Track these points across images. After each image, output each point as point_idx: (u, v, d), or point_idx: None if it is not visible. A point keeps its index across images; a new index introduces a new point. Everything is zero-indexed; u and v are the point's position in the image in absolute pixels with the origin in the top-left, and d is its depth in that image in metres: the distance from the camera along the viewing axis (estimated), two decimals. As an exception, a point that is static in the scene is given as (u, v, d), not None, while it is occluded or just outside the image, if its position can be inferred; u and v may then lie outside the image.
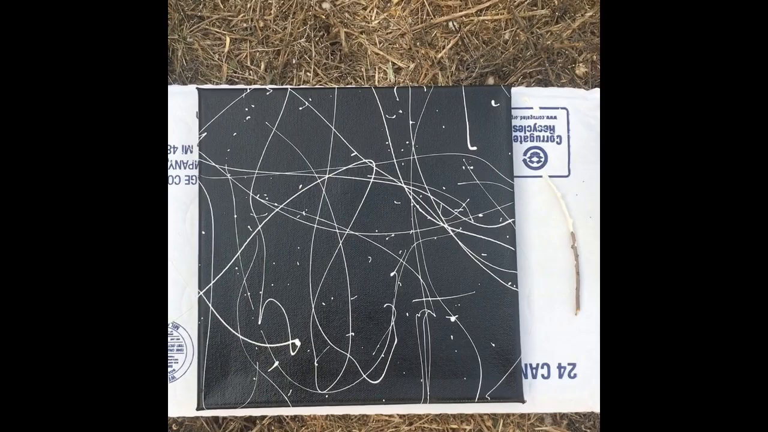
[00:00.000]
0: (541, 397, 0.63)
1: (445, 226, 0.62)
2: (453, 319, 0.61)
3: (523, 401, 0.61)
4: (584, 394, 0.63)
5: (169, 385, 0.62)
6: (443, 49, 0.72)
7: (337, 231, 0.61)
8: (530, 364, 0.63)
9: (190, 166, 0.64)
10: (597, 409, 0.63)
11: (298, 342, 0.60)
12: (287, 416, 0.67)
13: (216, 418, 0.67)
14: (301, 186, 0.62)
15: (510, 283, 0.61)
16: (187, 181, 0.64)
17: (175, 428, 0.67)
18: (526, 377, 0.63)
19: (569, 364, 0.63)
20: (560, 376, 0.63)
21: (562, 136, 0.65)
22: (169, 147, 0.64)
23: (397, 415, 0.67)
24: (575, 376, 0.63)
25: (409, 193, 0.62)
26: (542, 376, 0.63)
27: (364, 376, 0.60)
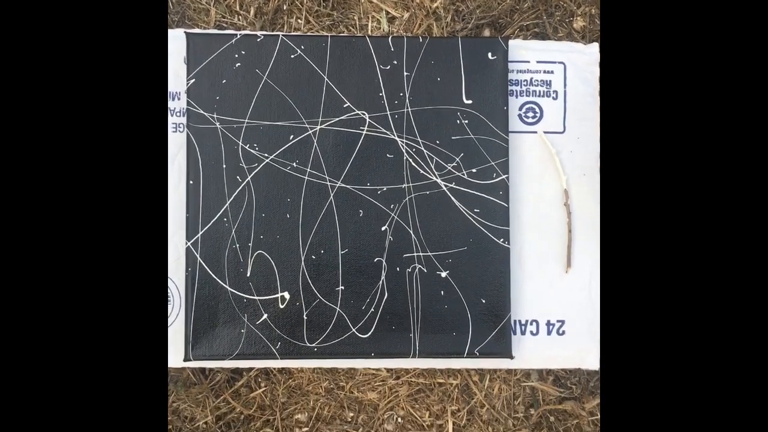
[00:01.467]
0: (530, 353, 0.63)
1: (438, 180, 0.61)
2: (444, 274, 0.60)
3: (511, 357, 0.61)
4: (572, 351, 0.63)
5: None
6: (439, -2, 0.70)
7: (329, 183, 0.60)
8: (519, 321, 0.63)
9: (178, 114, 0.62)
10: (584, 366, 0.63)
11: (287, 295, 0.60)
12: (274, 369, 0.67)
13: (203, 369, 0.67)
14: (292, 137, 0.60)
15: (502, 240, 0.61)
16: (173, 129, 0.62)
17: (160, 379, 0.66)
18: (515, 333, 0.63)
19: (558, 321, 0.63)
20: (549, 332, 0.63)
21: (558, 92, 0.64)
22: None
23: (385, 369, 0.67)
24: (564, 333, 0.63)
25: (402, 147, 0.61)
26: (531, 332, 0.63)
27: (354, 330, 0.60)
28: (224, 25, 0.69)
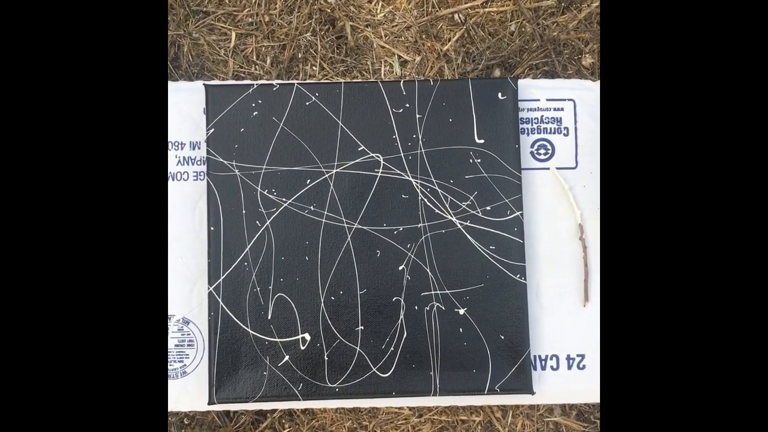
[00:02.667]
0: (551, 388, 0.63)
1: (453, 219, 0.62)
2: (462, 311, 0.61)
3: (532, 393, 0.61)
4: (593, 385, 0.63)
5: (181, 380, 0.62)
6: (449, 41, 0.72)
7: (346, 225, 0.61)
8: (539, 356, 0.63)
9: (198, 162, 0.64)
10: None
11: (307, 336, 0.61)
12: (298, 410, 0.68)
13: (227, 412, 0.68)
14: (309, 181, 0.62)
15: (518, 276, 0.61)
16: (195, 177, 0.64)
17: (186, 422, 0.68)
18: (535, 369, 0.63)
19: (578, 355, 0.63)
20: (569, 367, 0.63)
21: (569, 128, 0.65)
22: (177, 143, 0.64)
23: (407, 407, 0.68)
24: (584, 367, 0.63)
25: (417, 187, 0.62)
26: (551, 367, 0.63)
27: (374, 369, 0.60)
28: (242, 75, 0.71)
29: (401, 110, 0.62)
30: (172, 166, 0.64)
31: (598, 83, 0.66)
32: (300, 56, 0.72)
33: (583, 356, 0.63)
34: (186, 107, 0.64)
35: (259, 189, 0.61)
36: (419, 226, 0.62)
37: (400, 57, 0.72)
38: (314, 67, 0.72)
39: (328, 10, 0.72)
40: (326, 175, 0.62)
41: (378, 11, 0.73)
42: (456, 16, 0.72)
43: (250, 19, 0.72)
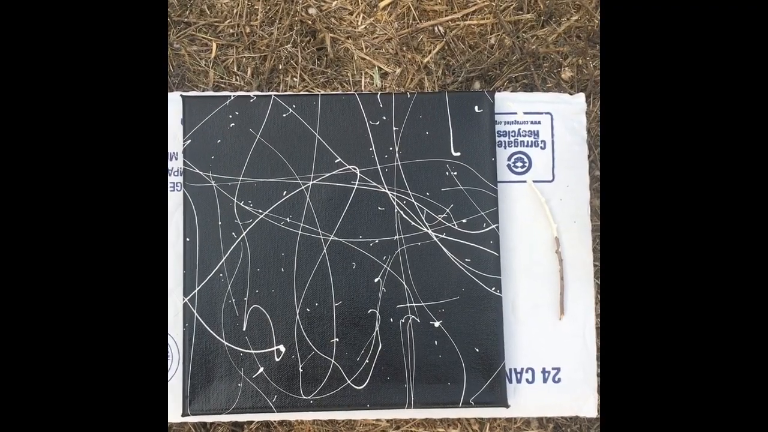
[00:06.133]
0: (526, 401, 0.63)
1: (429, 231, 0.62)
2: (437, 324, 0.61)
3: (507, 406, 0.61)
4: (569, 399, 0.63)
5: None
6: (429, 53, 0.72)
7: (321, 237, 0.61)
8: (515, 369, 0.63)
9: (176, 173, 0.64)
10: (582, 413, 0.63)
11: (282, 348, 0.61)
12: (275, 421, 0.67)
13: (204, 423, 0.67)
14: (285, 192, 0.62)
15: (494, 288, 0.61)
16: (172, 188, 0.64)
17: (162, 433, 0.67)
18: (510, 382, 0.63)
19: (553, 368, 0.63)
20: (545, 380, 0.63)
21: (546, 141, 0.65)
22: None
23: (384, 420, 0.68)
24: (559, 380, 0.63)
25: (393, 199, 0.62)
26: (527, 380, 0.63)
27: (349, 381, 0.60)
28: (222, 86, 0.71)
29: (378, 122, 0.63)
30: (150, 177, 0.64)
31: (575, 96, 0.66)
32: (281, 67, 0.72)
33: (558, 369, 0.63)
34: (164, 118, 0.65)
35: (235, 200, 0.61)
36: (395, 238, 0.62)
37: (380, 69, 0.72)
38: (295, 78, 0.72)
39: (309, 22, 0.72)
40: (302, 187, 0.62)
41: (359, 23, 0.73)
42: (436, 28, 0.73)
43: (231, 30, 0.72)
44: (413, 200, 0.62)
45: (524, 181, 0.65)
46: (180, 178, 0.64)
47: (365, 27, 0.73)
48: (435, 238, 0.62)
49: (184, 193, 0.61)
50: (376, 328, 0.61)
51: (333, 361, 0.60)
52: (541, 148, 0.65)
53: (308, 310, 0.61)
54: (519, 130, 0.65)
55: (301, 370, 0.60)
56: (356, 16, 0.73)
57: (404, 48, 0.73)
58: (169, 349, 0.62)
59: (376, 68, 0.72)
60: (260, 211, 0.62)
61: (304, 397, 0.60)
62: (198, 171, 0.62)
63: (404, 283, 0.61)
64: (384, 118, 0.63)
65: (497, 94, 0.64)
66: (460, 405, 0.61)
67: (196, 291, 0.61)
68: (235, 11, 0.73)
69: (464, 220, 0.62)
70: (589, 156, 0.66)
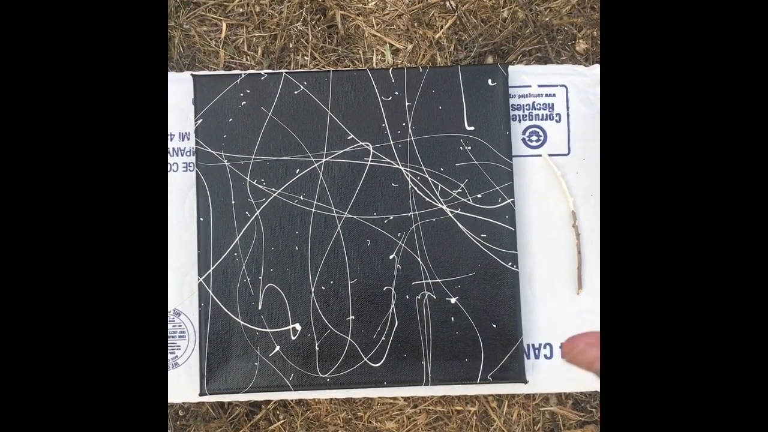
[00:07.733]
0: (544, 377, 0.62)
1: (444, 207, 0.61)
2: (453, 300, 0.60)
3: (525, 382, 0.60)
4: (587, 374, 0.62)
5: (173, 372, 0.62)
6: (441, 29, 0.71)
7: (336, 215, 0.61)
8: (533, 344, 0.62)
9: (188, 153, 0.64)
10: (601, 389, 0.63)
11: (298, 326, 0.60)
12: (291, 400, 0.67)
13: (221, 403, 0.67)
14: (298, 170, 0.61)
15: (510, 264, 0.61)
16: (185, 168, 0.64)
17: (181, 414, 0.68)
18: (528, 357, 0.62)
19: (572, 343, 0.62)
20: (563, 355, 0.62)
21: (561, 114, 0.64)
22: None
23: (401, 397, 0.67)
24: (578, 355, 0.62)
25: (407, 175, 0.61)
26: (545, 356, 0.62)
27: (365, 359, 0.60)
28: (233, 66, 0.71)
29: (390, 98, 0.62)
30: (162, 158, 0.64)
31: (590, 68, 0.65)
32: (291, 46, 0.71)
33: (577, 344, 0.62)
34: (175, 98, 0.64)
35: (248, 179, 0.61)
36: (409, 214, 0.61)
37: (392, 45, 0.71)
38: (305, 57, 0.71)
39: (319, 0, 0.72)
40: (315, 165, 0.61)
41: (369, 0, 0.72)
42: (448, 3, 0.72)
43: (240, 10, 0.72)
44: (427, 176, 0.61)
45: (539, 155, 0.64)
46: (192, 158, 0.64)
47: (375, 3, 0.72)
48: (450, 214, 0.61)
49: (196, 172, 0.61)
50: (392, 306, 0.60)
51: (349, 338, 0.60)
52: (556, 121, 0.64)
53: (323, 288, 0.61)
54: (533, 103, 0.64)
55: (317, 348, 0.60)
56: (366, -7, 0.72)
57: (415, 24, 0.72)
58: (185, 330, 0.62)
59: (388, 45, 0.72)
60: (273, 189, 0.61)
61: (321, 375, 0.60)
62: (210, 150, 0.61)
63: (419, 259, 0.61)
64: (396, 93, 0.62)
65: (511, 67, 0.63)
66: (478, 381, 0.60)
67: (210, 271, 0.60)
68: (244, -10, 0.72)
69: (479, 195, 0.61)
70: (605, 128, 0.65)
